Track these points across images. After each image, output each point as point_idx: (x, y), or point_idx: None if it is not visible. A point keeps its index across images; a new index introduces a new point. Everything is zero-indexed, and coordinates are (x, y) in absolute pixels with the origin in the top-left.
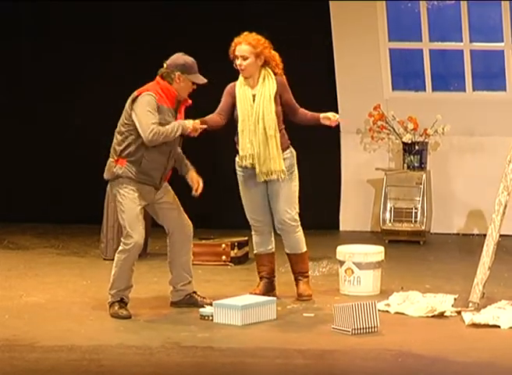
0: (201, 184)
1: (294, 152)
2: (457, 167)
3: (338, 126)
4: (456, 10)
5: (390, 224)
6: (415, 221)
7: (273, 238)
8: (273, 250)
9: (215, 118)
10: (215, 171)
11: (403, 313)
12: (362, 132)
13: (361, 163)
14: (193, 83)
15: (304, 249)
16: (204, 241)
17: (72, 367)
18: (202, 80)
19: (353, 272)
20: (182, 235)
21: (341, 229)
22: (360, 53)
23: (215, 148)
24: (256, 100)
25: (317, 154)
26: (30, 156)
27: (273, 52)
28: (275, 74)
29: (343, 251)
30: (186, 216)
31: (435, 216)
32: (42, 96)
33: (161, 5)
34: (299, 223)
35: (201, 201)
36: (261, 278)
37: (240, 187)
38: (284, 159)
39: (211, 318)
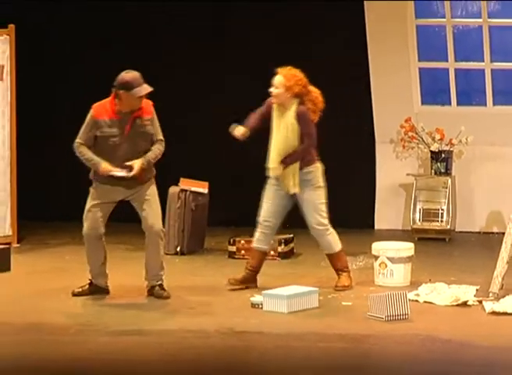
0: (136, 167)
1: (319, 166)
2: (479, 173)
3: (373, 136)
4: (479, 33)
5: (419, 223)
6: (441, 221)
7: (272, 241)
8: (266, 250)
9: (254, 121)
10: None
11: (430, 302)
12: (395, 142)
13: (394, 169)
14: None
15: (337, 249)
16: (253, 238)
17: (139, 349)
18: (140, 92)
19: (386, 265)
20: (147, 233)
21: (376, 227)
22: (393, 71)
23: (254, 149)
24: (282, 125)
25: (355, 161)
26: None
27: (311, 88)
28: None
29: (378, 247)
30: (153, 217)
31: (459, 216)
32: None
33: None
34: (328, 226)
35: (242, 200)
36: (245, 268)
37: (266, 187)
38: (308, 173)
39: (260, 306)
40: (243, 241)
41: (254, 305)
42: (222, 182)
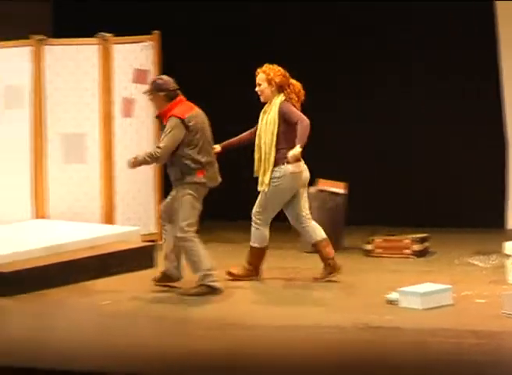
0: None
1: (285, 169)
2: None
3: (503, 136)
4: None
5: None
6: None
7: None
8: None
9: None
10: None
11: None
12: None
13: None
14: None
15: (254, 245)
16: (389, 237)
17: (277, 344)
18: None
19: None
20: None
21: (508, 227)
22: None
23: (392, 149)
24: (263, 122)
25: (485, 162)
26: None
27: (292, 81)
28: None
29: (510, 246)
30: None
31: None
32: None
33: None
34: (260, 221)
35: (379, 199)
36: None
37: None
38: (273, 171)
39: (396, 302)
40: (379, 240)
41: (389, 302)
42: (359, 182)
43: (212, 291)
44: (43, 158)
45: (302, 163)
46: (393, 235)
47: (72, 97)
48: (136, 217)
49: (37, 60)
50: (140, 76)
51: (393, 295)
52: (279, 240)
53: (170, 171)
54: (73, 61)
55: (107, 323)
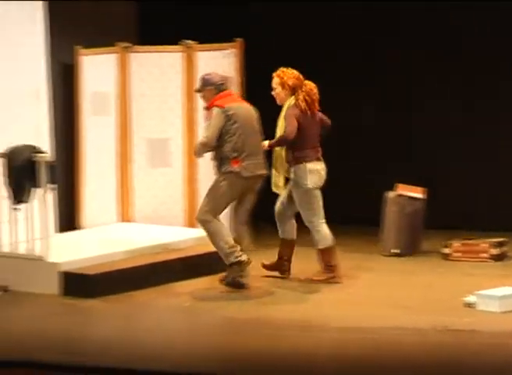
0: None
1: (303, 167)
2: None
3: None
4: None
5: None
6: None
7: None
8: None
9: None
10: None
11: None
12: None
13: None
14: None
15: (320, 247)
16: (466, 241)
17: (355, 345)
18: None
19: None
20: None
21: None
22: None
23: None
24: (280, 124)
25: None
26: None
27: (307, 83)
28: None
29: None
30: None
31: None
32: None
33: None
34: (313, 223)
35: (458, 204)
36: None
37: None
38: (293, 171)
39: (474, 305)
40: (457, 244)
41: (467, 305)
42: (438, 186)
43: (241, 265)
44: (128, 162)
45: (321, 162)
46: (471, 239)
47: (157, 103)
48: None
49: (123, 67)
50: None
51: (471, 298)
52: (357, 242)
53: (212, 159)
54: (158, 67)
55: (190, 323)
